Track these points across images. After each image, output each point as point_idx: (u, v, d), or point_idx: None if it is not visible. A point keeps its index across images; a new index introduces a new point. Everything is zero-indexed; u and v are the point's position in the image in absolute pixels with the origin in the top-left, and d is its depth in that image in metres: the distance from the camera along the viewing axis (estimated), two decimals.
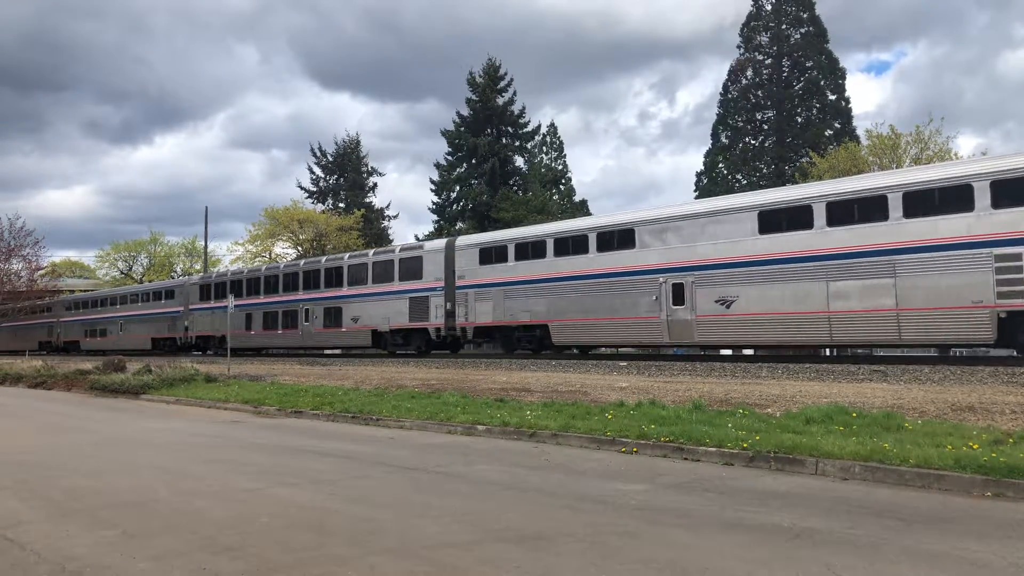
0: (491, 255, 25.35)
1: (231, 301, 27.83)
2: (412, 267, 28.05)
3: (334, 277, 31.71)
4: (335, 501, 7.27)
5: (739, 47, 53.99)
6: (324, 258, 34.20)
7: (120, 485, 8.26)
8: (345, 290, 31.11)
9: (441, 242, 28.35)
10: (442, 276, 26.78)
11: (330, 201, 65.97)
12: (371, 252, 31.80)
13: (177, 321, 42.00)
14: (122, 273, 71.74)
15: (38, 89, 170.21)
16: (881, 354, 22.76)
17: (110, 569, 5.15)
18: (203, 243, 65.38)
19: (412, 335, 28.17)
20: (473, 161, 57.62)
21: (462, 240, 27.48)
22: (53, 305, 57.44)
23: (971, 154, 35.15)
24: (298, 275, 33.75)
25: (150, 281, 63.36)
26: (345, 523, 6.38)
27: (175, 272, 69.50)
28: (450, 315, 26.37)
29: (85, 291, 63.83)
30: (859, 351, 24.27)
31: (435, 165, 59.58)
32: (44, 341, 56.48)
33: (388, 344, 29.27)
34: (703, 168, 54.78)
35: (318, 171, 66.91)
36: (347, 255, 33.04)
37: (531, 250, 24.07)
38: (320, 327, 31.90)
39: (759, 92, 52.73)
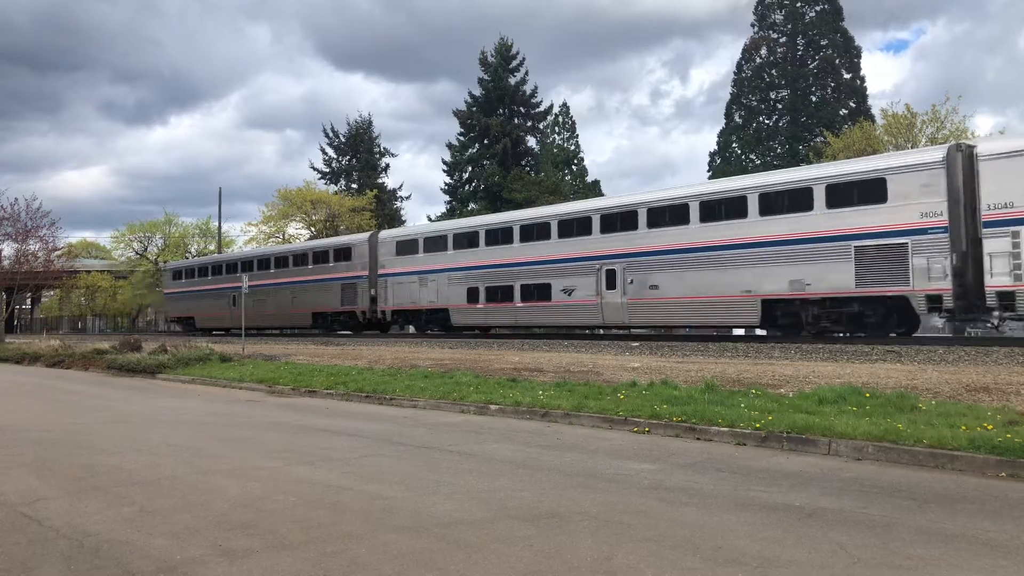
0: None
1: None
2: None
3: None
4: (349, 479, 7.32)
5: (753, 25, 53.44)
6: None
7: (137, 463, 8.34)
8: None
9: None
10: None
11: (343, 182, 66.06)
12: None
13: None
14: (137, 254, 71.68)
15: (54, 70, 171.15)
16: (895, 335, 22.58)
17: (127, 545, 5.21)
18: (217, 224, 65.62)
19: None
20: (485, 141, 57.47)
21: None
22: (353, 247, 33.10)
23: (988, 133, 34.66)
24: None
25: (165, 260, 59.38)
26: (359, 501, 6.43)
27: (190, 252, 68.37)
28: None
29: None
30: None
31: (447, 145, 59.60)
32: (335, 312, 33.71)
33: None
34: (716, 148, 54.41)
35: (331, 152, 67.04)
36: None
37: None
38: None
39: (773, 71, 52.21)
